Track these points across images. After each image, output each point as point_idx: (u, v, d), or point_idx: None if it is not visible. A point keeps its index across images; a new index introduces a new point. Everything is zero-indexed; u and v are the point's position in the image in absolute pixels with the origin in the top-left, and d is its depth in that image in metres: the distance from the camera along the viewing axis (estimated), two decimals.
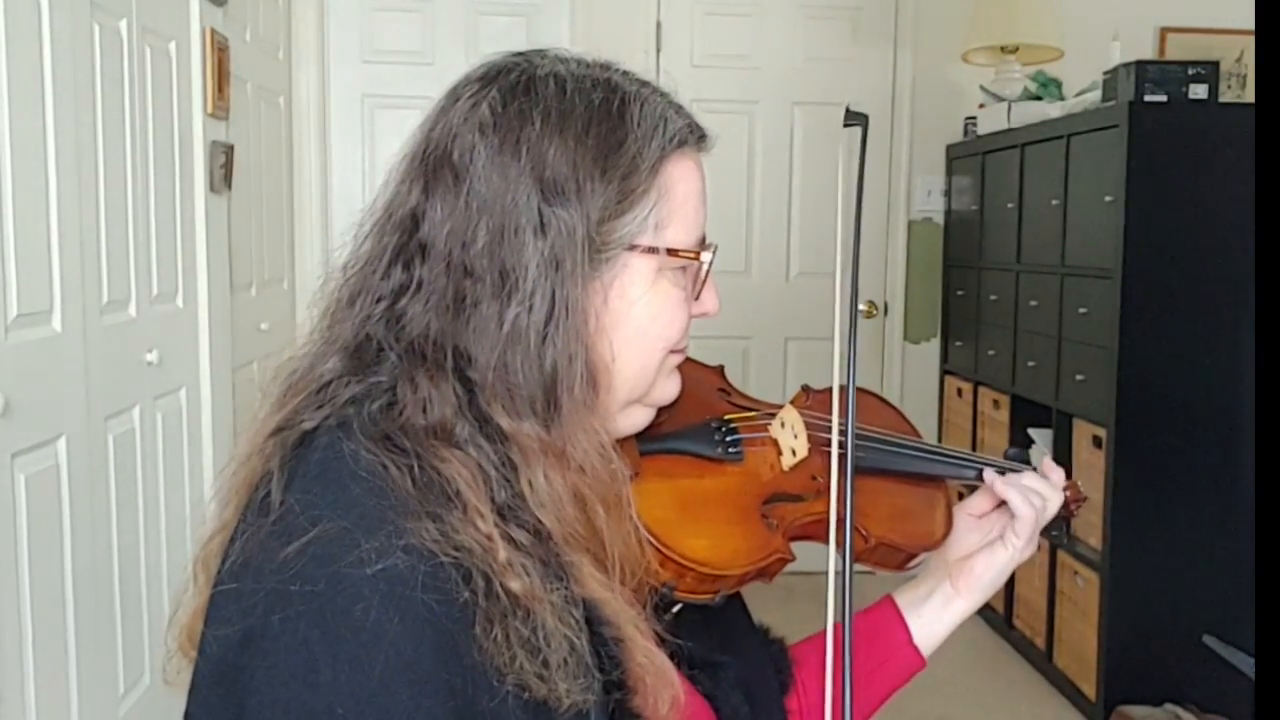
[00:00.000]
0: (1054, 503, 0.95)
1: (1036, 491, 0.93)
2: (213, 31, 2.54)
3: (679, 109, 0.75)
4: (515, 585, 0.61)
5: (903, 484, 0.94)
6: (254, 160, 3.03)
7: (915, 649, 0.94)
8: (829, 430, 0.90)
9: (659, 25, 3.75)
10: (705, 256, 0.74)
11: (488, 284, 0.67)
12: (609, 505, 0.68)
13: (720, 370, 0.96)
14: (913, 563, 0.91)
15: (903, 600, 0.97)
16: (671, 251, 0.72)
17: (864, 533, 0.86)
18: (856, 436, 0.91)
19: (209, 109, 2.53)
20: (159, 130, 2.30)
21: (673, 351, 0.77)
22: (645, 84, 0.75)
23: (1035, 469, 1.00)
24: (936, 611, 0.95)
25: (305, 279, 3.56)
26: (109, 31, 2.07)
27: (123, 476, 2.13)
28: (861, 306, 3.86)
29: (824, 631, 0.95)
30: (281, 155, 3.43)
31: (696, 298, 0.77)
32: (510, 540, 0.62)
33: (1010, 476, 0.94)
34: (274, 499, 0.63)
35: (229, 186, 2.70)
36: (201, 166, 2.52)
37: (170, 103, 2.37)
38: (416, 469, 0.62)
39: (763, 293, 3.86)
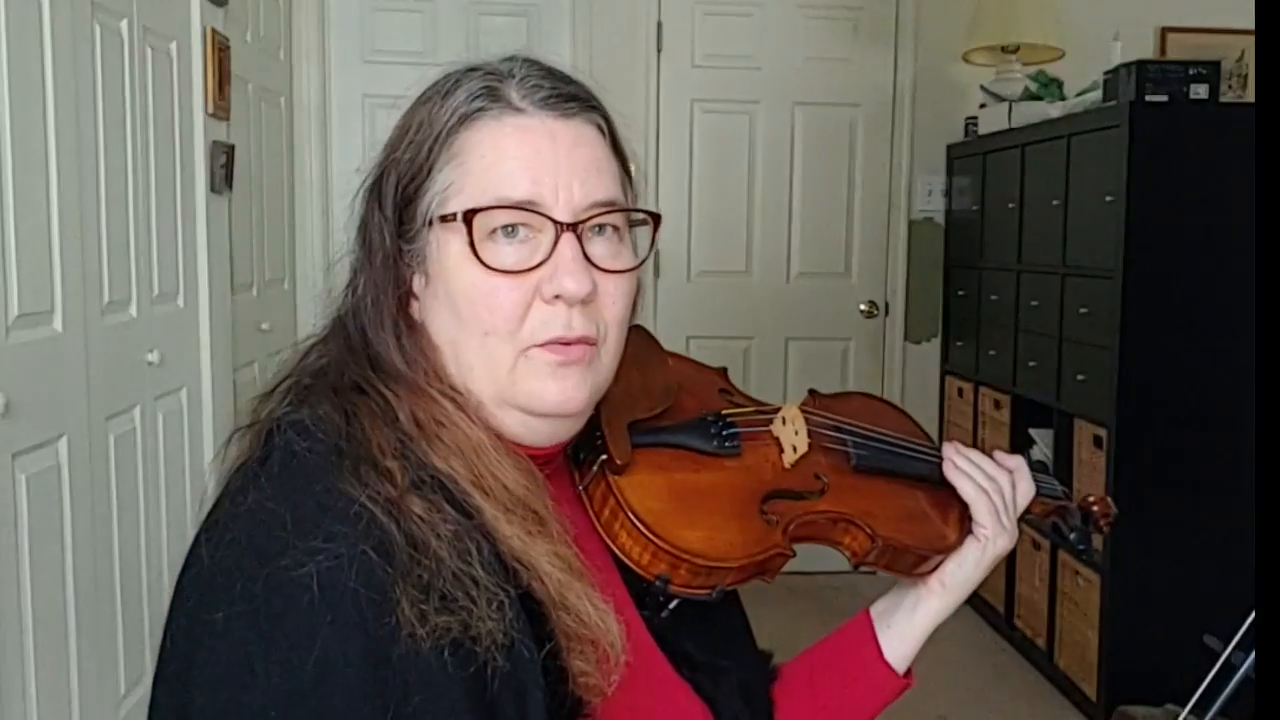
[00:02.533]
0: (1020, 490, 0.91)
1: (985, 474, 0.89)
2: (213, 32, 2.54)
3: (499, 79, 0.72)
4: (416, 506, 0.64)
5: (913, 487, 0.92)
6: (254, 160, 3.04)
7: (887, 664, 0.90)
8: (833, 429, 0.90)
9: (659, 25, 3.75)
10: (494, 218, 0.69)
11: (357, 257, 0.76)
12: (471, 451, 0.70)
13: (723, 372, 0.95)
14: (925, 565, 0.89)
15: (875, 610, 0.93)
16: (445, 217, 0.71)
17: (869, 532, 0.85)
18: (865, 437, 0.91)
19: (210, 109, 2.53)
20: (160, 130, 2.30)
21: (534, 346, 0.71)
22: (472, 65, 0.75)
23: (1046, 474, 0.98)
24: (906, 617, 0.90)
25: (305, 279, 3.56)
26: (109, 31, 2.07)
27: (123, 476, 2.13)
28: (862, 306, 3.87)
29: (804, 654, 0.94)
30: (282, 155, 3.43)
31: (502, 268, 0.70)
32: (422, 485, 0.66)
33: (961, 452, 0.91)
34: (232, 492, 0.67)
35: (230, 187, 2.70)
36: (202, 166, 2.52)
37: (171, 103, 2.37)
38: (347, 416, 0.68)
39: (763, 293, 3.86)
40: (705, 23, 3.78)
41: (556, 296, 0.70)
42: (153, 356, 2.25)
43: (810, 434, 0.87)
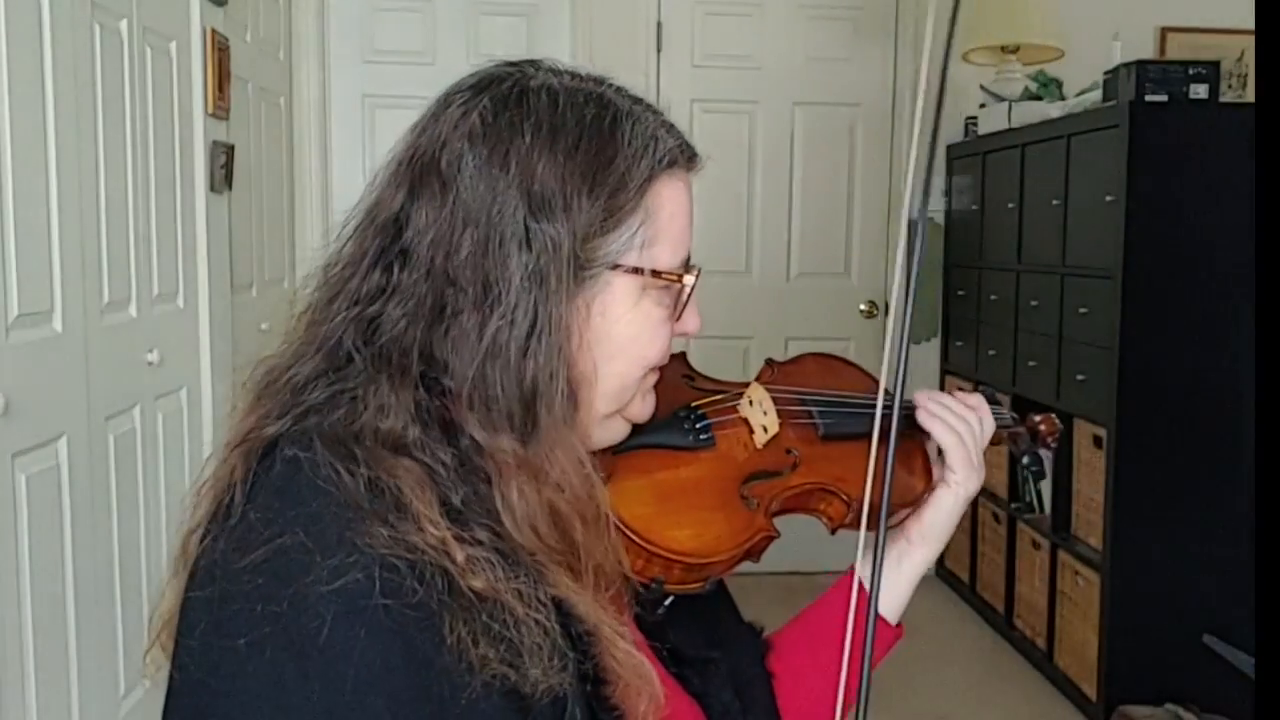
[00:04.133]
0: (984, 426, 0.94)
1: (955, 414, 0.92)
2: (213, 31, 2.54)
3: (670, 128, 0.75)
4: (477, 583, 0.61)
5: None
6: (254, 160, 3.04)
7: (882, 619, 0.92)
8: (798, 403, 0.91)
9: (659, 25, 3.75)
10: (688, 280, 0.74)
11: (470, 295, 0.67)
12: (587, 520, 0.68)
13: (682, 356, 0.95)
14: (896, 517, 0.92)
15: (863, 569, 0.94)
16: (655, 273, 0.72)
17: (844, 497, 0.86)
18: (829, 404, 0.92)
19: (209, 109, 2.53)
20: (159, 130, 2.30)
21: (651, 370, 0.77)
22: (638, 101, 0.75)
23: (999, 404, 1.01)
24: (893, 571, 0.92)
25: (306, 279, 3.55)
26: (109, 31, 2.07)
27: (123, 476, 2.13)
28: (862, 306, 3.87)
29: (797, 619, 0.95)
30: (282, 155, 3.43)
31: (678, 318, 0.76)
32: (466, 540, 0.62)
33: (934, 407, 0.92)
34: (236, 510, 0.64)
35: (229, 186, 2.70)
36: (202, 166, 2.52)
37: (171, 103, 2.37)
38: (368, 477, 0.63)
39: (763, 293, 3.86)
40: (705, 23, 3.78)
41: (684, 333, 0.77)
42: (152, 356, 2.25)
43: (778, 411, 0.88)
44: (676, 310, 0.75)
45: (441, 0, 3.68)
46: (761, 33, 3.79)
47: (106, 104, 2.04)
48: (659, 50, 3.76)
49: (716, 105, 3.80)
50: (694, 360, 0.95)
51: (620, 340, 0.72)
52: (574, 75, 0.74)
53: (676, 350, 0.96)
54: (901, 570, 0.93)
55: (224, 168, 2.64)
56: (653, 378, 0.78)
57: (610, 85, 0.75)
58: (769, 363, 0.99)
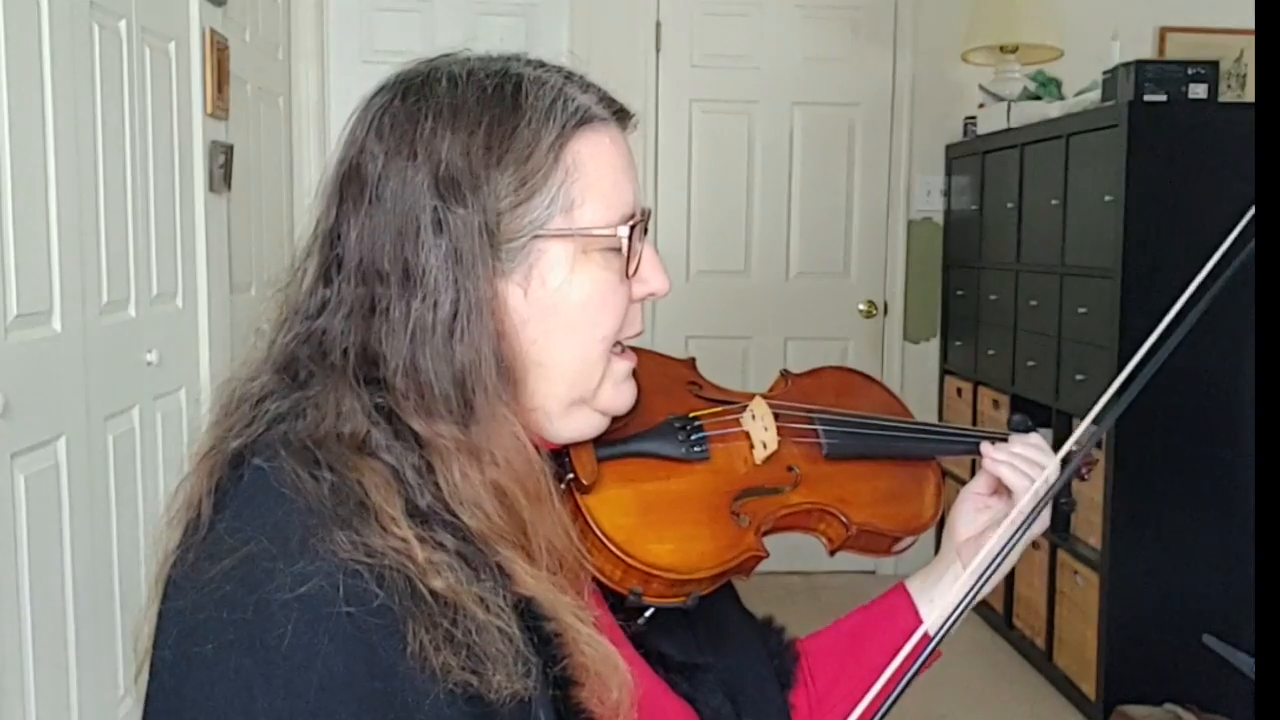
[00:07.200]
0: (1052, 469, 0.92)
1: (1029, 460, 0.90)
2: (212, 31, 2.54)
3: (585, 86, 0.73)
4: (437, 584, 0.61)
5: (889, 466, 0.91)
6: (254, 160, 3.03)
7: (928, 636, 0.91)
8: (805, 420, 0.89)
9: (659, 25, 3.75)
10: (622, 231, 0.71)
11: (393, 285, 0.67)
12: (530, 495, 0.68)
13: (691, 363, 0.93)
14: (899, 546, 0.90)
15: (914, 586, 0.94)
16: (585, 232, 0.70)
17: (844, 520, 0.85)
18: (836, 423, 0.90)
19: (209, 109, 2.53)
20: (159, 130, 2.30)
21: (618, 353, 0.75)
22: (545, 66, 0.74)
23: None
24: (946, 593, 0.92)
25: None
26: (109, 31, 2.07)
27: (122, 476, 2.13)
28: (861, 306, 3.87)
29: (834, 625, 0.94)
30: (281, 155, 3.43)
31: (633, 275, 0.73)
32: (428, 542, 0.62)
33: (1000, 448, 0.91)
34: (205, 521, 0.64)
35: (229, 186, 2.70)
36: (201, 166, 2.51)
37: (170, 103, 2.37)
38: (332, 481, 0.63)
39: (763, 293, 3.86)
40: (704, 23, 3.78)
41: (650, 293, 0.75)
42: (151, 356, 2.24)
43: (780, 427, 0.86)
44: (630, 269, 0.73)
45: (441, 0, 3.68)
46: (760, 32, 3.79)
47: (105, 104, 2.04)
48: (658, 50, 3.76)
49: (715, 105, 3.80)
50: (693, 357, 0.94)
51: (571, 310, 0.71)
52: (481, 58, 0.73)
53: (686, 357, 0.94)
54: (955, 594, 0.92)
55: (223, 168, 2.64)
56: (621, 364, 0.75)
57: (518, 59, 0.74)
58: (784, 374, 0.97)
